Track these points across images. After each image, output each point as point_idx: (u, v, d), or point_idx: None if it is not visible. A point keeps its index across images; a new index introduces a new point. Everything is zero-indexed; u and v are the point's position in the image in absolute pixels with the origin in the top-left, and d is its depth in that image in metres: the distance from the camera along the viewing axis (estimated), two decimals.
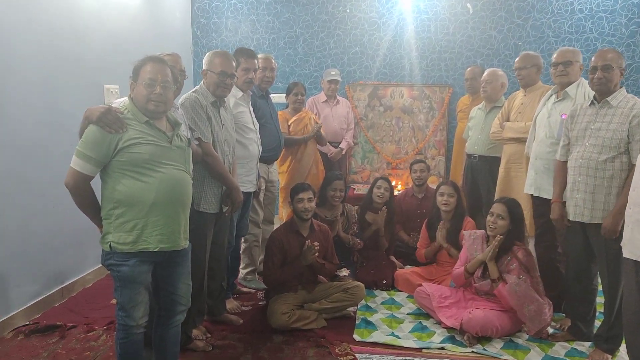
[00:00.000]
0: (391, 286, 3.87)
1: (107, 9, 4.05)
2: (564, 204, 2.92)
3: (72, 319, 3.25)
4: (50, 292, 3.48)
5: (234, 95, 3.22)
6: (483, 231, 3.32)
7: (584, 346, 2.98)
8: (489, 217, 3.23)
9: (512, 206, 3.20)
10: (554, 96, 3.25)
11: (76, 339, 3.00)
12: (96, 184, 2.13)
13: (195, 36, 5.76)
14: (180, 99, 2.82)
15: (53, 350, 2.86)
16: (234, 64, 2.89)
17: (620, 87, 2.75)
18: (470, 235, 3.34)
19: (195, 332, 2.94)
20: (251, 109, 3.41)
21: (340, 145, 4.92)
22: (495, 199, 3.46)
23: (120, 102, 2.28)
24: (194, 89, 2.87)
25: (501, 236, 3.13)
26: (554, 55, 3.23)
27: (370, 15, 5.56)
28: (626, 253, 2.40)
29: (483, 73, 4.25)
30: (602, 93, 2.73)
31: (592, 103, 2.80)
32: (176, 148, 2.22)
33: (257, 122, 3.42)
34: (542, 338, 3.04)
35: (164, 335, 2.35)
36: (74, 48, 3.64)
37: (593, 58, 2.76)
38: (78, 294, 3.69)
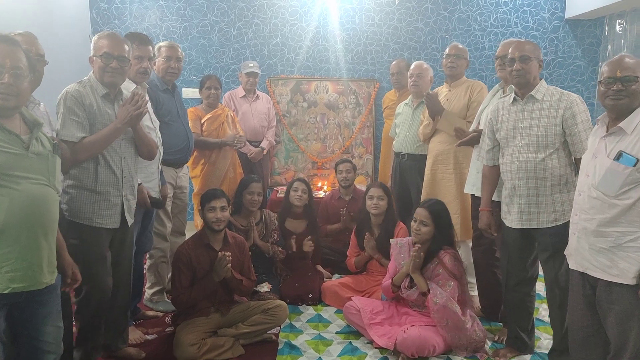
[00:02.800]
0: (318, 300, 3.49)
1: None
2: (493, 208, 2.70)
3: None
4: None
5: (126, 88, 2.72)
6: (410, 238, 3.04)
7: None
8: (412, 223, 2.97)
9: (437, 210, 2.95)
10: (500, 91, 3.02)
11: None
12: None
13: (94, 23, 5.08)
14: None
15: None
16: (126, 47, 2.41)
17: (540, 79, 2.54)
18: (396, 243, 3.06)
19: None
20: (149, 104, 2.93)
21: (261, 145, 4.49)
22: (420, 202, 3.20)
23: None
24: (79, 80, 2.38)
25: (420, 245, 2.90)
26: (499, 49, 2.98)
27: (291, 3, 5.15)
28: (572, 264, 2.17)
29: (409, 67, 3.99)
30: (522, 86, 2.51)
31: (514, 100, 2.57)
32: (35, 156, 1.73)
33: (156, 120, 2.94)
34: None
35: None
36: None
37: (510, 50, 2.53)
38: None
